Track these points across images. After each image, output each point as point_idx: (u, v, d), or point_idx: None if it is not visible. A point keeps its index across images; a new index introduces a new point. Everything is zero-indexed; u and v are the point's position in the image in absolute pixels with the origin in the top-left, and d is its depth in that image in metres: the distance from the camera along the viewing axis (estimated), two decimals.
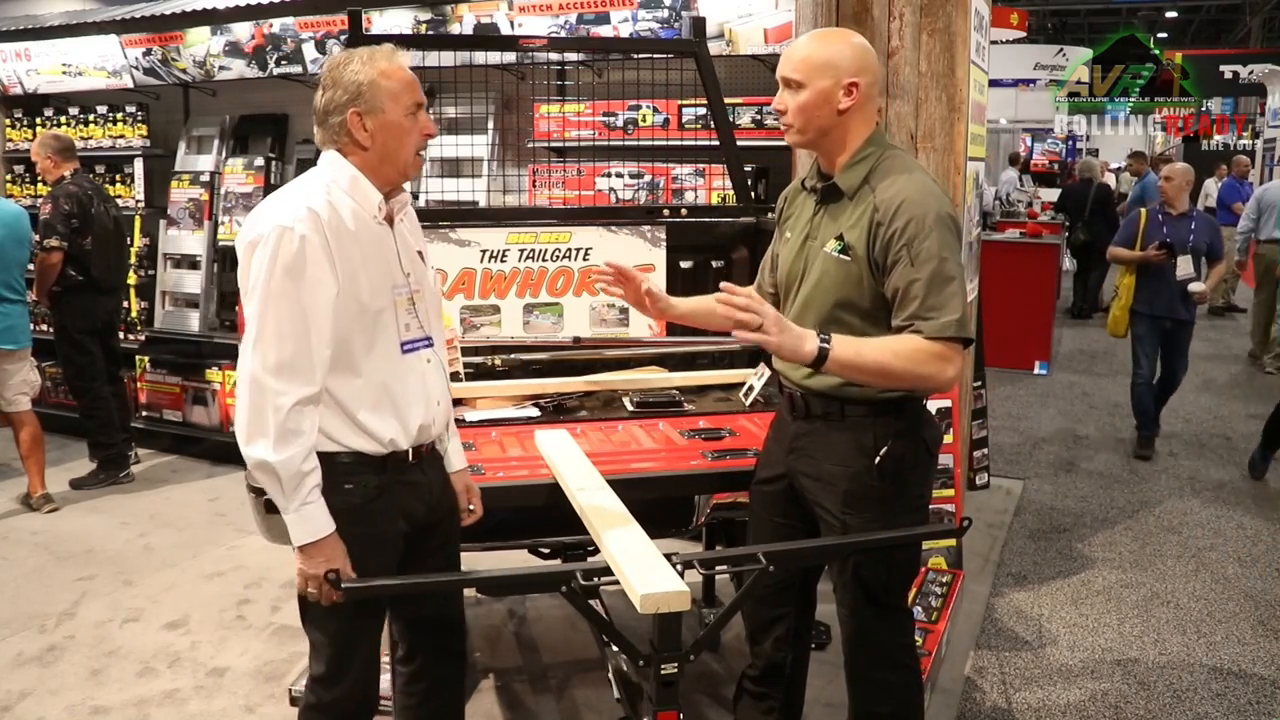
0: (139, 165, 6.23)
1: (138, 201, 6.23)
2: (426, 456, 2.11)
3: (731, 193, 3.79)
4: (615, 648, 1.93)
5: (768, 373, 2.99)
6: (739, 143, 3.70)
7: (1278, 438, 5.37)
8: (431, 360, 2.09)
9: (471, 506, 2.28)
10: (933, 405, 3.61)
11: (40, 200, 5.15)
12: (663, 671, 1.79)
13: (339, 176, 1.96)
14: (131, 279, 6.07)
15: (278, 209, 1.88)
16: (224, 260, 5.89)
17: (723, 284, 1.95)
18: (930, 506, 3.66)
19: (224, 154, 5.94)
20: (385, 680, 2.34)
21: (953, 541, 3.76)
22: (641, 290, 2.48)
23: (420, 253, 2.14)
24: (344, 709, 2.06)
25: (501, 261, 3.44)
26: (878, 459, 2.07)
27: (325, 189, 1.92)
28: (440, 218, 3.47)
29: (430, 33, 4.89)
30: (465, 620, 2.41)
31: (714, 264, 3.61)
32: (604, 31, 4.64)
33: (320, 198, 1.90)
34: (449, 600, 2.30)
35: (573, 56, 4.81)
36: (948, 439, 3.75)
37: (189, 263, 5.99)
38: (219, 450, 5.53)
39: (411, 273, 2.06)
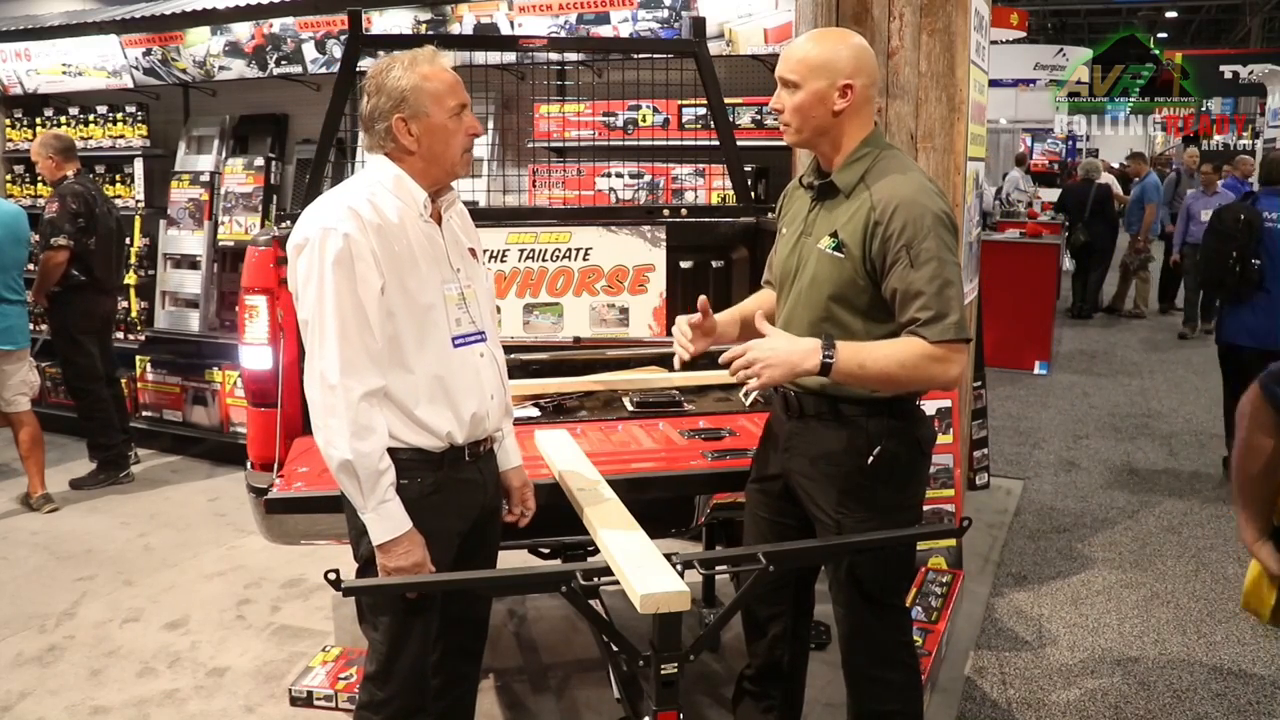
0: (139, 165, 6.23)
1: (138, 201, 6.23)
2: (483, 455, 2.14)
3: (731, 193, 3.79)
4: (615, 648, 1.93)
5: None
6: (739, 143, 3.71)
7: None
8: (485, 354, 2.12)
9: (527, 503, 2.30)
10: (932, 405, 3.63)
11: (46, 200, 5.13)
12: (663, 671, 1.79)
13: (383, 177, 2.01)
14: (131, 279, 6.07)
15: (321, 212, 1.94)
16: (224, 260, 5.89)
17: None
18: (930, 506, 3.67)
19: (224, 154, 5.93)
20: None
21: (953, 541, 3.76)
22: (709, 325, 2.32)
23: (472, 250, 2.18)
24: (395, 707, 2.08)
25: (501, 261, 3.44)
26: (871, 458, 2.08)
27: (369, 190, 1.97)
28: None
29: (430, 33, 4.89)
30: (488, 622, 2.43)
31: (714, 264, 3.62)
32: (604, 31, 4.64)
33: (362, 198, 1.95)
34: (477, 601, 2.33)
35: (573, 56, 4.81)
36: (948, 439, 3.75)
37: (189, 263, 5.98)
38: (219, 450, 5.53)
39: (461, 269, 2.10)
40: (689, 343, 2.26)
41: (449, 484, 2.05)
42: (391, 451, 1.96)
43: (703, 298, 2.27)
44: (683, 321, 2.28)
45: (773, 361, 1.96)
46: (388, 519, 1.93)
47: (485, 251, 3.38)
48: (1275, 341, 4.87)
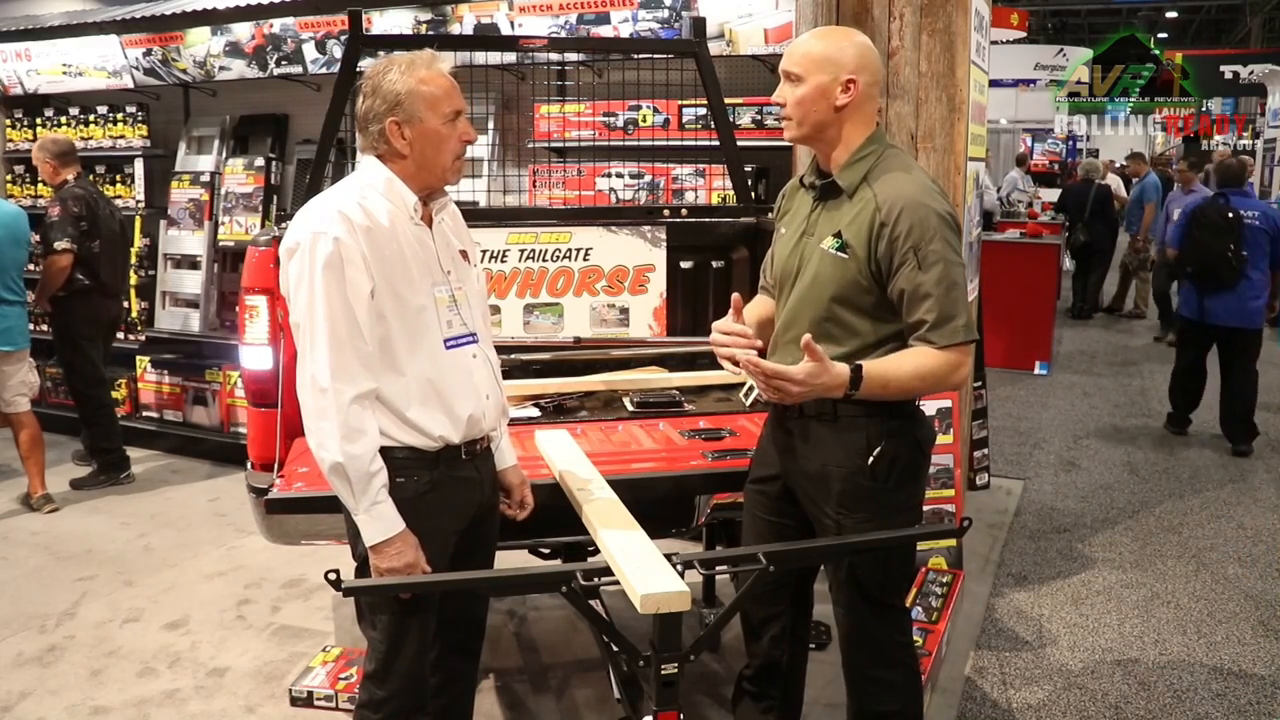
0: (139, 165, 6.23)
1: (138, 202, 6.23)
2: (480, 454, 2.15)
3: (731, 193, 3.79)
4: (615, 648, 1.93)
5: None
6: (739, 143, 3.71)
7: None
8: (478, 356, 2.12)
9: (525, 501, 2.31)
10: (932, 405, 3.63)
11: (48, 202, 5.10)
12: (663, 671, 1.79)
13: (374, 180, 2.01)
14: (131, 279, 6.07)
15: (311, 216, 1.95)
16: (224, 260, 5.89)
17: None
18: (930, 506, 3.67)
19: (224, 154, 5.94)
20: None
21: (953, 541, 3.76)
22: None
23: (464, 252, 2.18)
24: (395, 705, 2.08)
25: (502, 262, 3.44)
26: (871, 459, 2.08)
27: (359, 192, 1.98)
28: None
29: (430, 33, 4.89)
30: (486, 621, 2.44)
31: (714, 264, 3.62)
32: (604, 31, 4.64)
33: (352, 201, 1.95)
34: (475, 600, 2.34)
35: (573, 56, 4.81)
36: (948, 439, 3.75)
37: (189, 263, 5.99)
38: (219, 451, 5.53)
39: (452, 271, 2.10)
40: (750, 341, 2.10)
41: (445, 482, 2.06)
42: (387, 450, 1.97)
43: (736, 295, 2.18)
44: (728, 324, 2.13)
45: (807, 395, 1.96)
46: (380, 520, 1.93)
47: (485, 252, 3.39)
48: (1253, 320, 5.77)
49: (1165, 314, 9.04)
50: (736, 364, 2.08)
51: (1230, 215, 5.66)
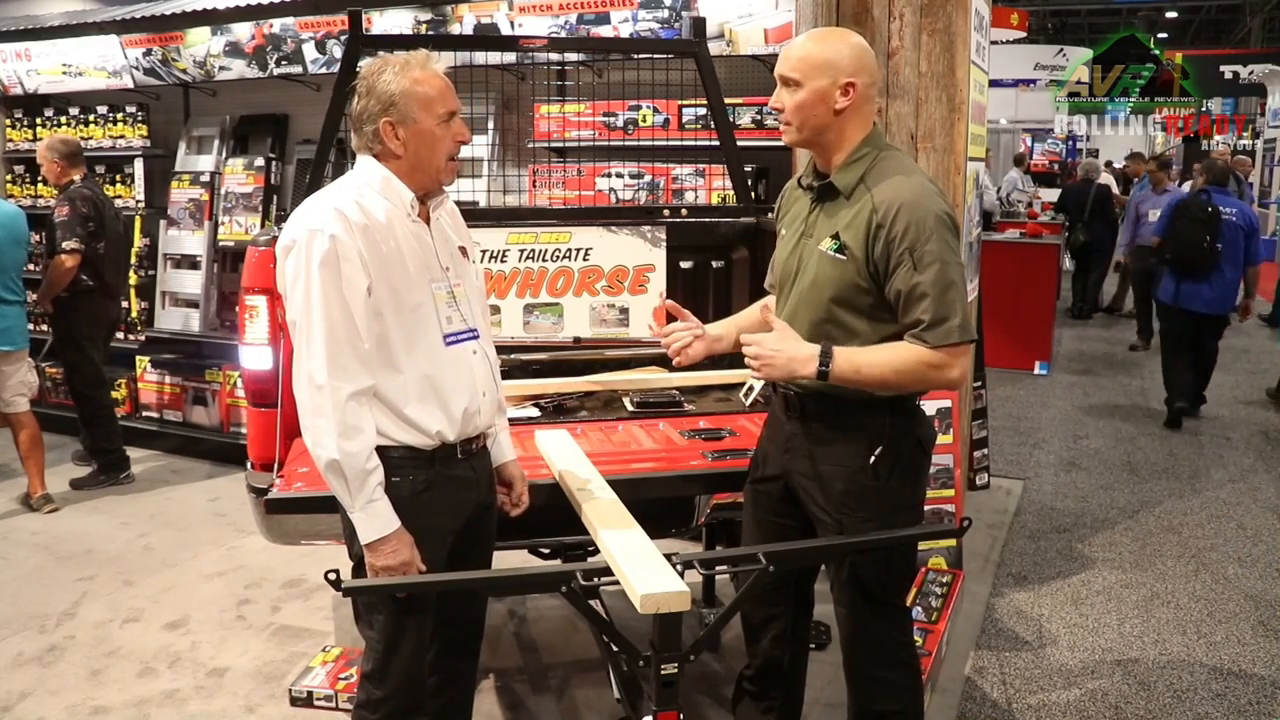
0: (139, 165, 6.23)
1: (138, 202, 6.23)
2: (475, 453, 2.15)
3: (731, 193, 3.79)
4: (615, 648, 1.93)
5: None
6: (739, 143, 3.71)
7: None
8: (477, 352, 2.12)
9: (522, 498, 2.31)
10: (933, 405, 3.63)
11: (55, 202, 5.07)
12: (663, 671, 1.79)
13: (371, 178, 2.02)
14: (131, 279, 6.07)
15: (308, 214, 1.95)
16: (224, 260, 5.89)
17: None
18: (930, 506, 3.67)
19: (224, 154, 5.94)
20: None
21: (953, 541, 3.76)
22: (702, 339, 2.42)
23: (463, 249, 2.18)
24: (392, 705, 2.08)
25: (501, 262, 3.44)
26: (873, 459, 2.08)
27: (356, 191, 1.99)
28: None
29: (430, 33, 4.89)
30: (484, 620, 2.44)
31: (714, 264, 3.62)
32: (604, 31, 4.64)
33: (349, 199, 1.96)
34: (473, 599, 2.34)
35: (573, 56, 4.81)
36: (948, 439, 3.75)
37: (189, 263, 5.99)
38: (219, 450, 5.53)
39: (451, 268, 2.10)
40: (689, 326, 2.38)
41: (441, 481, 2.06)
42: (383, 449, 1.97)
43: (664, 302, 2.44)
44: (667, 328, 2.42)
45: (774, 362, 2.01)
46: (375, 518, 1.94)
47: (485, 252, 3.39)
48: (1223, 308, 6.26)
49: (1146, 319, 8.83)
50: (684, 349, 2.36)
51: (1210, 210, 6.12)
